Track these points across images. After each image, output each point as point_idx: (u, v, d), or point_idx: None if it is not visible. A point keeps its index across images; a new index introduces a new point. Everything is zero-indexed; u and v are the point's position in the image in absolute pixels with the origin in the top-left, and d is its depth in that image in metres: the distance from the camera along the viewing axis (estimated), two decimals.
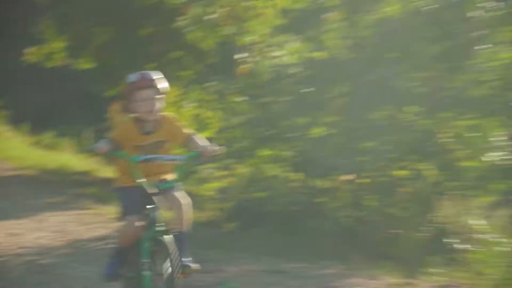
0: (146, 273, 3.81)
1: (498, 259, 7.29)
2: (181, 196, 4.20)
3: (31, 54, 12.83)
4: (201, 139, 4.16)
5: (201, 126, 10.39)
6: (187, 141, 4.09)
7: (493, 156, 8.15)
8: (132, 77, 4.03)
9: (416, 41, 8.31)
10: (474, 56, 8.22)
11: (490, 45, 8.24)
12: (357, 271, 6.85)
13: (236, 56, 8.69)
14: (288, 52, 8.54)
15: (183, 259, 3.98)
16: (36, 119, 20.83)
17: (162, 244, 3.79)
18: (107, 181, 12.49)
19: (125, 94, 4.12)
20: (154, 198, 3.84)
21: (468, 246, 7.69)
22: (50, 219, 9.34)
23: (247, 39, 8.37)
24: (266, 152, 8.66)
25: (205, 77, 9.85)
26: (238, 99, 9.12)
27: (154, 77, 4.08)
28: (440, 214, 8.12)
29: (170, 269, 3.71)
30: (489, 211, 8.42)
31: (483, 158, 8.20)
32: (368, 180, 8.57)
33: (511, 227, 8.29)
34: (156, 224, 3.83)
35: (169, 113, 4.43)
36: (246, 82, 8.98)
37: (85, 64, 12.42)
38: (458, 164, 8.32)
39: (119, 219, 4.44)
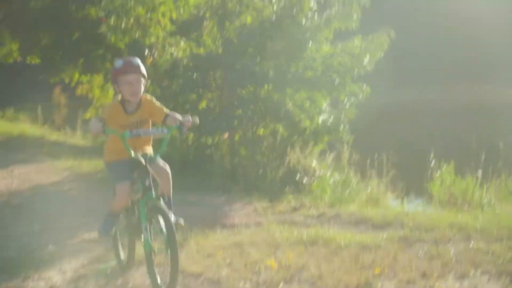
0: (146, 234, 3.75)
1: (328, 187, 8.24)
2: (164, 165, 4.11)
3: None
4: (176, 114, 3.98)
5: None
6: (166, 117, 3.97)
7: (321, 118, 9.10)
8: (118, 63, 3.88)
9: (266, 40, 8.86)
10: (306, 50, 8.89)
11: (316, 42, 9.05)
12: (237, 200, 7.55)
13: (145, 52, 9.16)
14: (179, 49, 9.13)
15: (173, 217, 3.88)
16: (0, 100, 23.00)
17: (158, 209, 3.71)
18: (56, 142, 13.67)
19: (112, 79, 3.96)
20: (145, 168, 3.76)
21: (310, 179, 8.54)
22: (17, 171, 9.79)
23: (151, 40, 8.96)
24: None
25: None
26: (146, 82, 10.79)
27: (137, 63, 3.88)
28: (291, 159, 8.76)
29: (167, 229, 3.63)
30: (321, 156, 9.33)
31: (315, 120, 9.05)
32: (239, 137, 9.21)
33: (335, 166, 9.19)
34: (151, 191, 3.76)
35: (147, 95, 4.13)
36: (151, 70, 9.19)
37: (34, 60, 13.61)
38: (299, 124, 8.98)
39: (113, 188, 4.09)
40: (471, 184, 7.92)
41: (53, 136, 15.37)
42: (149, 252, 3.79)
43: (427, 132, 16.10)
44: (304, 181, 8.68)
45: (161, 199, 3.86)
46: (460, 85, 33.12)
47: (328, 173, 8.93)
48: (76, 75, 12.86)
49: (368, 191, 8.35)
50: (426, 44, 37.44)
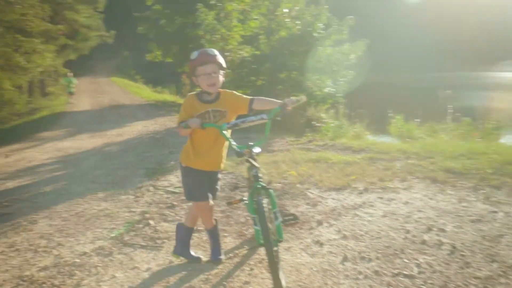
0: (255, 227, 2.63)
1: (330, 129, 9.14)
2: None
3: (150, 56, 16.43)
4: (263, 98, 2.77)
5: None
6: (251, 104, 2.78)
7: (326, 90, 9.89)
8: (194, 54, 2.76)
9: (293, 45, 9.88)
10: (316, 51, 9.74)
11: (323, 47, 9.69)
12: (276, 136, 8.09)
13: (226, 54, 9.78)
14: (245, 52, 10.19)
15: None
16: (153, 82, 27.66)
17: (258, 204, 2.54)
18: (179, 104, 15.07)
19: (190, 71, 2.79)
20: (250, 158, 2.67)
21: (320, 124, 9.34)
22: (159, 119, 11.49)
23: (229, 47, 10.14)
24: None
25: None
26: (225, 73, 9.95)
27: (214, 52, 2.74)
28: (309, 113, 9.75)
29: (276, 219, 2.70)
30: (326, 111, 10.23)
31: (323, 91, 9.89)
32: None
33: (334, 116, 10.11)
34: (257, 181, 2.63)
35: (227, 90, 2.87)
36: (230, 64, 10.30)
37: (168, 59, 15.85)
38: (314, 93, 9.81)
39: (186, 198, 2.95)
40: (412, 126, 8.83)
41: (181, 101, 17.05)
42: (261, 244, 2.64)
43: (388, 99, 17.46)
44: (317, 125, 9.39)
45: (268, 189, 2.61)
46: (410, 74, 39.31)
47: (330, 121, 9.70)
48: None
49: (354, 130, 9.27)
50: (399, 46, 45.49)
